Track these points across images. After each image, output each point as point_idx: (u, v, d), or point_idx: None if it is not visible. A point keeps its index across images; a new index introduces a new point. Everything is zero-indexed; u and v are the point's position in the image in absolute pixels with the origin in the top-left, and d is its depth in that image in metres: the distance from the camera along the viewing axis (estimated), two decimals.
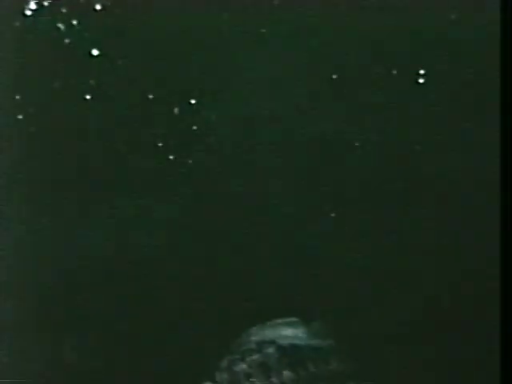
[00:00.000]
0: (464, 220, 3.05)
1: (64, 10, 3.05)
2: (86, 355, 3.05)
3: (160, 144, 3.16)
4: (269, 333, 2.87)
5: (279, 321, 2.90)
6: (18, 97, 3.09)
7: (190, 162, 3.18)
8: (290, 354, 2.76)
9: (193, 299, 3.10)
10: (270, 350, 2.80)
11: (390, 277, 3.12)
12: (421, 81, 3.14)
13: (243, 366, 2.76)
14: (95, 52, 3.07)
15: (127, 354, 3.04)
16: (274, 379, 2.75)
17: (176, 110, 3.15)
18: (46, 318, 3.08)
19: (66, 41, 3.07)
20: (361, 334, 2.98)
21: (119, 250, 3.14)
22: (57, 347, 3.09)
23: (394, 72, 3.16)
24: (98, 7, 3.05)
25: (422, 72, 3.14)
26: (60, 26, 3.05)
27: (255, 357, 2.78)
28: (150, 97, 3.14)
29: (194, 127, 3.18)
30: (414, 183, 3.16)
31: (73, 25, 3.05)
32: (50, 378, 2.99)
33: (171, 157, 3.17)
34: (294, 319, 2.89)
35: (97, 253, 3.12)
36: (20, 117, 3.10)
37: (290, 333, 2.90)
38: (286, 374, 2.74)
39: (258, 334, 2.87)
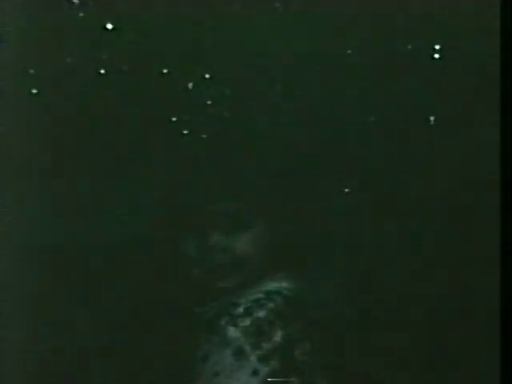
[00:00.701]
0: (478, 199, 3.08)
1: None
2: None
3: (174, 118, 3.16)
4: (270, 285, 2.95)
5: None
6: (32, 71, 3.08)
7: (204, 136, 3.18)
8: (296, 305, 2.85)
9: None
10: (279, 299, 2.89)
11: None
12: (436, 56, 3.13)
13: (263, 312, 2.85)
14: (109, 26, 3.05)
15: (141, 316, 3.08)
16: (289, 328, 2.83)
17: (190, 85, 3.14)
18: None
19: (80, 14, 3.04)
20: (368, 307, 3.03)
21: (136, 222, 3.17)
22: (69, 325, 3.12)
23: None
24: None
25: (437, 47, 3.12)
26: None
27: (271, 305, 2.86)
28: (165, 71, 3.12)
29: (209, 101, 3.17)
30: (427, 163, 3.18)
31: None
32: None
33: (185, 131, 3.17)
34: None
35: (116, 227, 3.15)
36: (34, 91, 3.09)
37: (289, 285, 2.98)
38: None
39: (262, 286, 2.94)
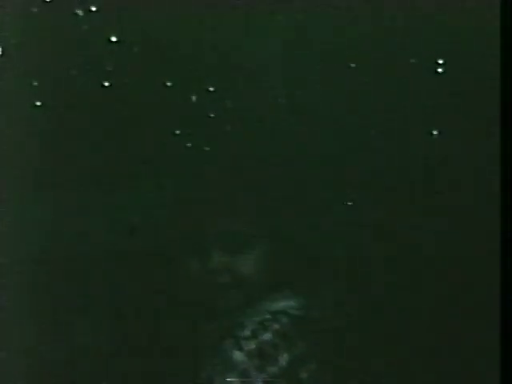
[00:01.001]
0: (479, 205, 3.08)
1: None
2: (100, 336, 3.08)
3: (177, 132, 3.16)
4: (275, 304, 2.93)
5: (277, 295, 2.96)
6: (35, 83, 3.07)
7: (207, 149, 3.18)
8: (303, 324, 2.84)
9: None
10: (285, 320, 2.87)
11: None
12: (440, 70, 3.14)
13: (268, 335, 2.83)
14: (113, 38, 3.05)
15: (144, 325, 3.07)
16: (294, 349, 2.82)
17: (194, 98, 3.14)
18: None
19: (85, 27, 3.04)
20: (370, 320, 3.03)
21: (137, 235, 3.16)
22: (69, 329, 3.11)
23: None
24: None
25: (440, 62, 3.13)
26: (78, 12, 3.01)
27: (276, 326, 2.85)
28: (168, 84, 3.12)
29: (212, 114, 3.17)
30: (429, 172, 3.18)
31: (91, 11, 3.02)
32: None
33: (189, 144, 3.17)
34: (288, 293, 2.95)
35: (114, 237, 3.14)
36: (38, 103, 3.09)
37: (293, 304, 2.96)
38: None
39: (267, 305, 2.93)
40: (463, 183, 3.21)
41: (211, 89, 3.14)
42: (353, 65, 3.17)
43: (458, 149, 3.19)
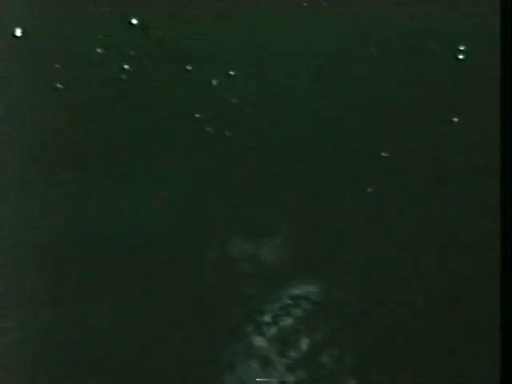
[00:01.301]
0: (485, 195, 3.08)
1: None
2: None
3: (198, 115, 3.14)
4: (298, 291, 2.94)
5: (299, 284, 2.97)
6: (57, 66, 3.05)
7: (227, 133, 3.16)
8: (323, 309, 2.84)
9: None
10: (306, 305, 2.88)
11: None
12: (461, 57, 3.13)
13: (289, 320, 2.83)
14: (134, 21, 3.03)
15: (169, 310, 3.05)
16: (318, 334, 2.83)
17: (215, 82, 3.13)
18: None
19: (106, 10, 3.02)
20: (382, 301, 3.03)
21: (155, 219, 3.14)
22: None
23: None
24: None
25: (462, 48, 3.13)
26: None
27: (297, 311, 2.86)
28: (189, 68, 3.11)
29: (233, 99, 3.15)
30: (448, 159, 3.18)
31: None
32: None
33: (209, 128, 3.15)
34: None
35: (131, 219, 3.12)
36: (59, 85, 3.07)
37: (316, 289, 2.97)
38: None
39: (289, 291, 2.93)
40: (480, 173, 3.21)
41: (232, 73, 3.13)
42: (375, 52, 3.16)
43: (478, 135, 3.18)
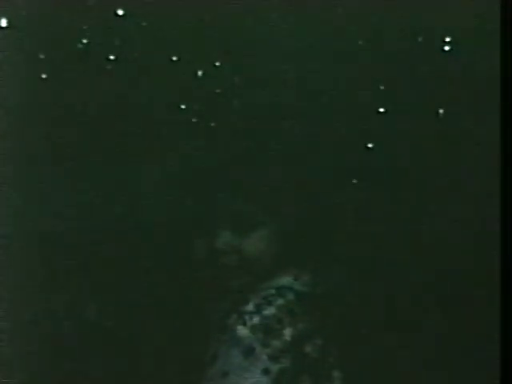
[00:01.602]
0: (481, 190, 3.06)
1: None
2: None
3: (183, 106, 3.15)
4: (282, 281, 2.93)
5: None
6: (42, 56, 3.08)
7: (213, 125, 3.17)
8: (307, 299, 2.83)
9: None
10: (290, 295, 2.87)
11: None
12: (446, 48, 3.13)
13: (272, 310, 2.83)
14: (120, 12, 3.05)
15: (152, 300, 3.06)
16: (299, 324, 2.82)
17: (200, 73, 3.14)
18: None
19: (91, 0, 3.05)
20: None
21: (140, 211, 3.15)
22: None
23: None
24: None
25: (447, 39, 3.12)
26: None
27: (280, 301, 2.85)
28: (174, 58, 3.12)
29: (218, 90, 3.16)
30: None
31: None
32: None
33: (194, 119, 3.16)
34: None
35: (119, 213, 3.14)
36: (44, 76, 3.09)
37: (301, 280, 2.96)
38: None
39: (273, 282, 2.93)
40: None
41: (217, 64, 3.14)
42: (360, 42, 3.16)
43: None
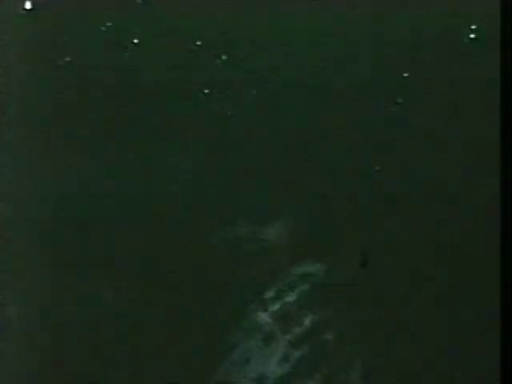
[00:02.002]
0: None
1: None
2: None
3: (206, 91, 3.14)
4: (303, 268, 2.92)
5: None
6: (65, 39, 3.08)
7: (230, 113, 3.16)
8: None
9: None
10: (312, 282, 2.86)
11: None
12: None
13: (293, 296, 2.82)
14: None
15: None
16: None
17: (223, 58, 3.13)
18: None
19: None
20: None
21: (161, 196, 3.15)
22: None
23: None
24: None
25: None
26: None
27: (302, 288, 2.84)
28: (198, 43, 3.11)
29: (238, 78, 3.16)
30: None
31: None
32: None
33: (213, 107, 3.15)
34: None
35: (138, 197, 3.13)
36: (68, 59, 3.09)
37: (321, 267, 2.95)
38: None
39: (295, 269, 2.92)
40: None
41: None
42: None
43: None
